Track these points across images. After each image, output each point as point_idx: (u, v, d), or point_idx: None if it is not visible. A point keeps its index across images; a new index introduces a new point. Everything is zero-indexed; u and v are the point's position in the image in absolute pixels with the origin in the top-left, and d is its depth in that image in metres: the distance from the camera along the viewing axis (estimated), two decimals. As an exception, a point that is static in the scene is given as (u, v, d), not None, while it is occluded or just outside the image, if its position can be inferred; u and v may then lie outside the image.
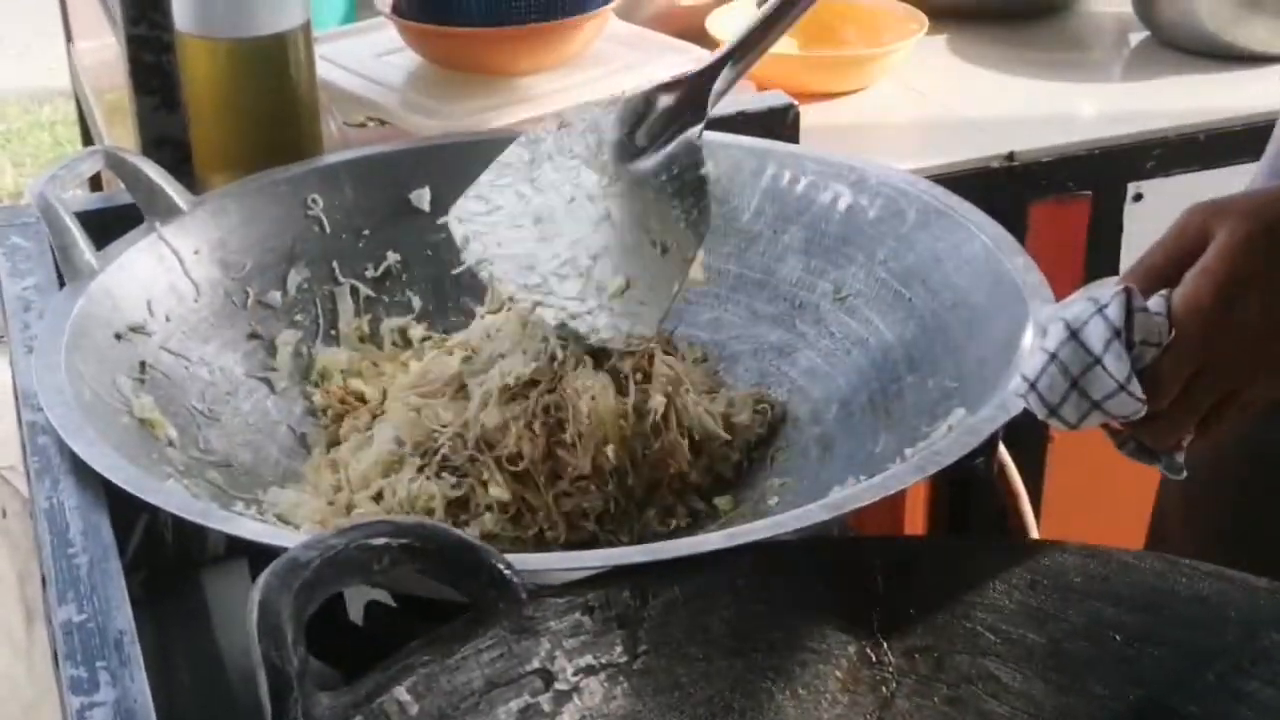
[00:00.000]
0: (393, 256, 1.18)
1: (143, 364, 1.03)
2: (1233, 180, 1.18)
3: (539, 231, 1.06)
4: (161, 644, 1.03)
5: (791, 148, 1.21)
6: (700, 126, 1.07)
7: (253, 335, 1.11)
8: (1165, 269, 0.83)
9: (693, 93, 1.08)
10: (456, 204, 1.08)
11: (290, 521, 0.99)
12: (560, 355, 1.02)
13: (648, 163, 1.07)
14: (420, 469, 1.01)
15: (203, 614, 1.08)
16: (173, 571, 1.09)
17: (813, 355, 1.11)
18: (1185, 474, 0.84)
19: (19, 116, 4.10)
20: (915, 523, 1.38)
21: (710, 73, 1.08)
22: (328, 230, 1.16)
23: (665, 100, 1.08)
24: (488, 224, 1.06)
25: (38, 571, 1.31)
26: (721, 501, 1.05)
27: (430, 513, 1.00)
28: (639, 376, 1.02)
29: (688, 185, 1.06)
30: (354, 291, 1.16)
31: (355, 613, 0.96)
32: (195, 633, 1.07)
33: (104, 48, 1.74)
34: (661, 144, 1.08)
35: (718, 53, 1.10)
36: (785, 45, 1.64)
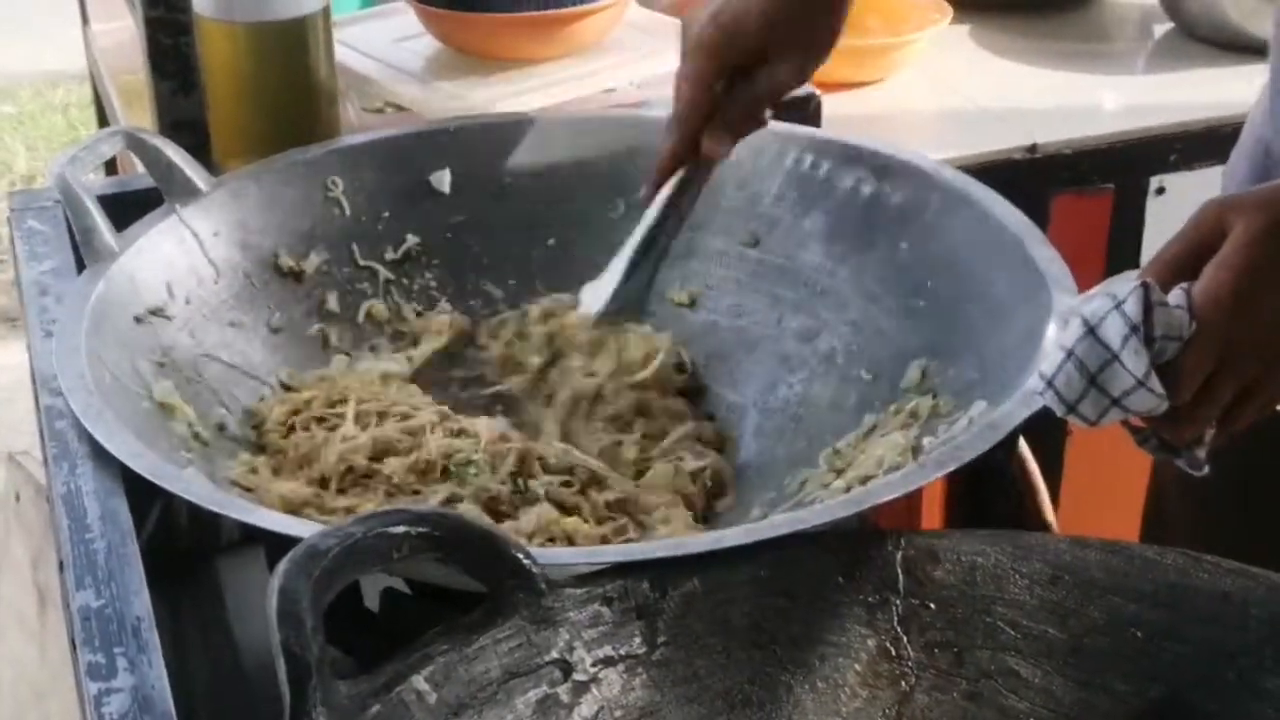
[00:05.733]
0: (412, 239, 1.17)
1: (163, 347, 1.03)
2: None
3: None
4: (177, 630, 1.03)
5: (815, 132, 1.21)
6: None
7: (272, 318, 1.11)
8: (1183, 263, 0.83)
9: None
10: None
11: None
12: None
13: None
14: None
15: (218, 600, 1.08)
16: (188, 557, 1.09)
17: (833, 341, 1.11)
18: (1207, 469, 0.84)
19: (32, 99, 4.09)
20: (932, 515, 1.37)
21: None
22: (348, 212, 1.16)
23: None
24: None
25: (51, 555, 1.31)
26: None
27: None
28: None
29: None
30: (373, 274, 1.16)
31: (371, 600, 0.95)
32: (210, 619, 1.06)
33: (121, 30, 1.73)
34: None
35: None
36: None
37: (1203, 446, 0.84)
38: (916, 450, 0.96)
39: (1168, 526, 1.21)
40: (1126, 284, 0.80)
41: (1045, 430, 0.96)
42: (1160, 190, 1.49)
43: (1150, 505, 1.26)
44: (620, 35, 1.43)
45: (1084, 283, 0.94)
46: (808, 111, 1.29)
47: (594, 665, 0.77)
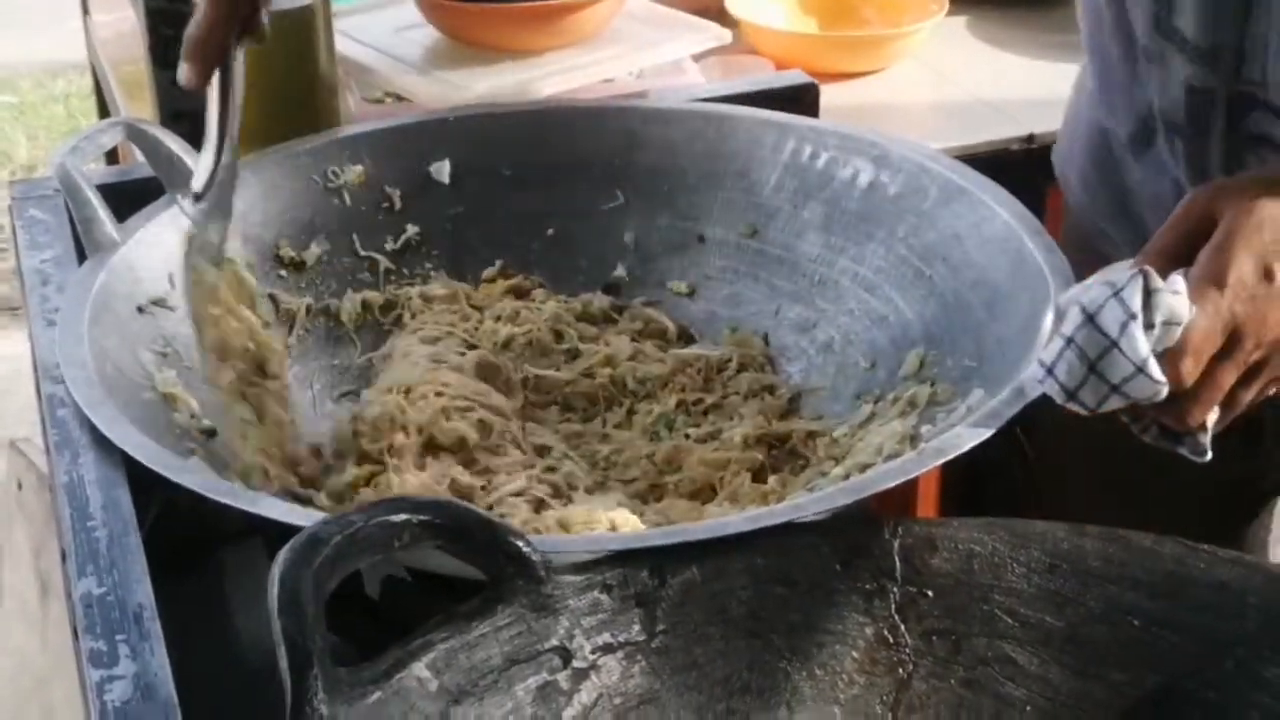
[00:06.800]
0: (412, 229, 1.18)
1: (164, 337, 1.03)
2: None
3: None
4: (178, 618, 1.03)
5: (813, 122, 1.21)
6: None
7: (273, 307, 1.11)
8: (1177, 250, 0.84)
9: None
10: None
11: None
12: None
13: None
14: None
15: (220, 589, 1.08)
16: (190, 546, 1.09)
17: (831, 331, 1.11)
18: (1210, 456, 0.84)
19: (33, 90, 4.09)
20: (929, 503, 1.38)
21: None
22: (348, 203, 1.16)
23: None
24: None
25: (53, 544, 1.32)
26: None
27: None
28: None
29: None
30: (374, 264, 1.16)
31: (372, 588, 0.96)
32: (212, 607, 1.07)
33: (121, 20, 1.73)
34: None
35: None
36: (805, 25, 1.64)
37: (1205, 432, 0.84)
38: (915, 438, 0.97)
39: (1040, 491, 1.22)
40: (1124, 272, 0.81)
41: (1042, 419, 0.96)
42: (1157, 181, 1.49)
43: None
44: (620, 26, 1.43)
45: (1078, 275, 0.94)
46: (806, 102, 1.29)
47: (593, 652, 0.77)
